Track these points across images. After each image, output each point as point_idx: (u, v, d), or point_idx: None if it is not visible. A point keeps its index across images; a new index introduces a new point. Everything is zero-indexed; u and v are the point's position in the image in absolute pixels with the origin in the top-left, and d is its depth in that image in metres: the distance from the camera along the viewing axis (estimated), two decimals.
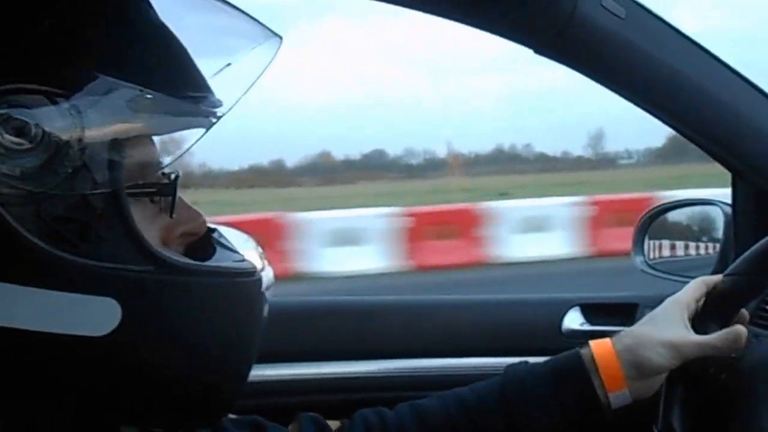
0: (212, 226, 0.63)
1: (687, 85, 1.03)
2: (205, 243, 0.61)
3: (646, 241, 1.50)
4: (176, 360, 0.54)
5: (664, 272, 1.43)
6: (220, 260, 0.59)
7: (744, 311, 0.88)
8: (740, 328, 0.82)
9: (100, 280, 0.50)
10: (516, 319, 1.19)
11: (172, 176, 0.61)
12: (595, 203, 8.87)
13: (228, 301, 0.56)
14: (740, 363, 0.80)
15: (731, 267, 0.86)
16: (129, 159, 0.54)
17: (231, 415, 0.78)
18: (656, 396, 0.86)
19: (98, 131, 0.52)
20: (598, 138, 40.79)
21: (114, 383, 0.53)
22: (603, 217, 8.52)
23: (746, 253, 0.84)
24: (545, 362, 0.88)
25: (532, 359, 1.09)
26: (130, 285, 0.51)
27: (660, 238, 1.52)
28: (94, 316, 0.49)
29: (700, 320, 0.86)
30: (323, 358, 1.13)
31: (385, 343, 1.15)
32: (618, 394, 0.83)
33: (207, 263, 0.57)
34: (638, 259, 1.50)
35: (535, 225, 8.50)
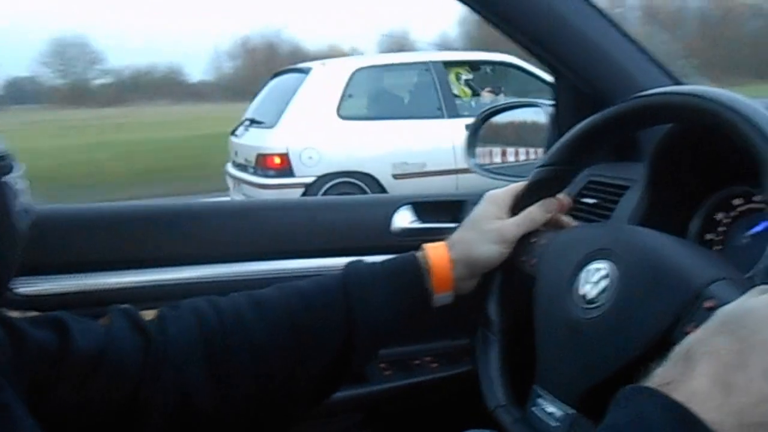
0: None
1: None
2: None
3: (479, 145, 1.55)
4: None
5: (495, 173, 1.49)
6: None
7: (563, 196, 0.92)
8: (551, 199, 0.89)
9: None
10: (347, 219, 1.19)
11: None
12: None
13: None
14: (545, 249, 0.84)
15: (543, 158, 0.89)
16: None
17: (31, 313, 0.72)
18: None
19: None
20: None
21: None
22: None
23: (555, 144, 0.87)
24: (384, 261, 0.88)
25: (365, 259, 1.11)
26: None
27: (492, 142, 1.57)
28: None
29: (519, 208, 0.90)
30: (148, 264, 1.08)
31: (213, 248, 1.11)
32: (442, 295, 0.86)
33: None
34: (471, 161, 1.55)
35: None
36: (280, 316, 0.82)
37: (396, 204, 1.20)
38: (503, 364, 0.84)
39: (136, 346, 0.75)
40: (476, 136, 1.55)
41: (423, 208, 1.21)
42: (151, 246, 1.09)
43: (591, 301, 0.71)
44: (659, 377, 0.52)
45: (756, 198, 0.88)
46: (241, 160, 6.41)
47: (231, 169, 6.78)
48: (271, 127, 5.88)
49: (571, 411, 0.71)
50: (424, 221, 1.21)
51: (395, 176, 5.65)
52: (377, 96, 6.16)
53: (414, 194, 1.23)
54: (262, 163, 5.85)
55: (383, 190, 5.50)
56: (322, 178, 5.78)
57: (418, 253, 0.87)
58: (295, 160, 5.69)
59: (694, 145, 0.88)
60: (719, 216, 0.93)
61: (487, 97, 6.39)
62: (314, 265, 1.14)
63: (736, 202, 0.90)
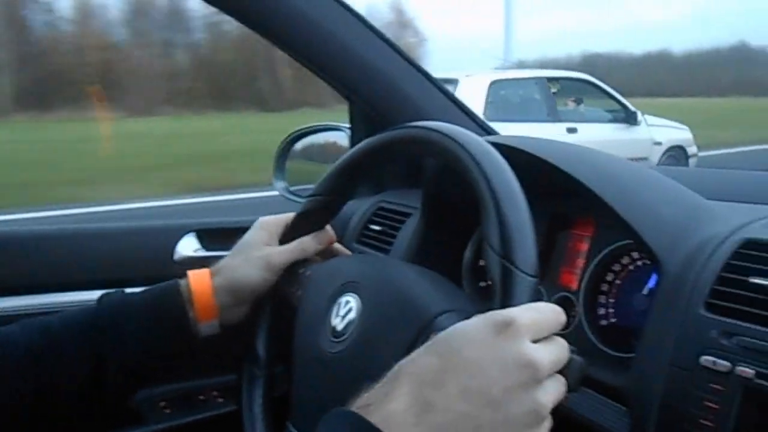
0: None
1: (306, 25, 1.08)
2: None
3: (288, 166, 1.53)
4: None
5: (302, 197, 1.46)
6: None
7: (328, 228, 0.90)
8: (328, 229, 0.88)
9: None
10: (127, 248, 1.12)
11: None
12: None
13: None
14: (308, 280, 0.82)
15: (314, 188, 0.88)
16: None
17: None
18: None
19: None
20: None
21: None
22: None
23: (324, 175, 0.86)
24: (143, 291, 0.83)
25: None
26: None
27: (301, 162, 1.54)
28: None
29: (289, 237, 0.87)
30: None
31: None
32: (208, 324, 0.82)
33: None
34: (279, 185, 1.51)
35: None
36: (20, 354, 0.75)
37: (180, 232, 1.14)
38: (267, 400, 0.81)
39: None
40: (284, 158, 1.53)
41: (208, 235, 1.16)
42: None
43: (338, 335, 0.70)
44: (363, 399, 0.51)
45: None
46: None
47: None
48: None
49: None
50: (209, 249, 1.16)
51: None
52: (508, 103, 7.33)
53: (199, 221, 1.17)
54: None
55: None
56: None
57: (181, 281, 0.83)
58: None
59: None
60: None
61: (570, 105, 7.94)
62: (90, 298, 1.05)
63: None
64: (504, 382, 0.49)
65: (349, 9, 1.11)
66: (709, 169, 1.09)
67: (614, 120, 7.66)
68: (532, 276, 0.56)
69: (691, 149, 8.29)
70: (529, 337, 0.52)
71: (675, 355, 0.63)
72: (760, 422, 0.57)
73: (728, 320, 0.61)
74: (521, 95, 7.52)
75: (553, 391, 0.52)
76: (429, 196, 0.97)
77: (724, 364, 0.59)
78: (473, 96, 6.74)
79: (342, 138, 1.41)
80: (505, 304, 0.55)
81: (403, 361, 0.53)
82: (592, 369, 0.73)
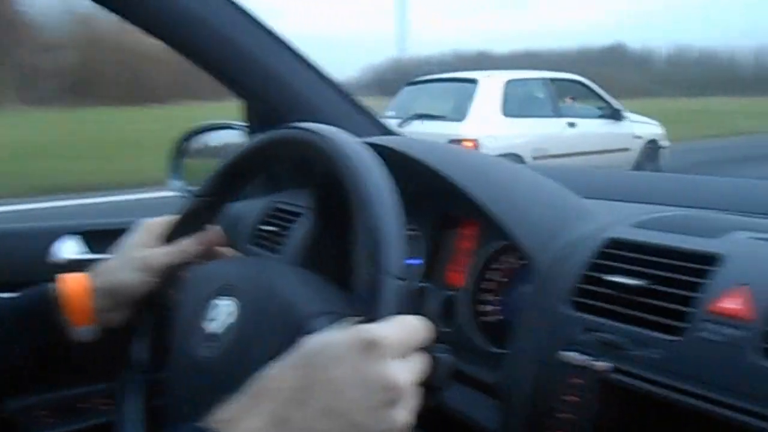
0: None
1: (198, 25, 1.07)
2: None
3: (185, 164, 1.49)
4: None
5: None
6: None
7: (216, 229, 0.88)
8: (206, 233, 0.85)
9: None
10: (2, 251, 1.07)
11: None
12: None
13: None
14: (184, 282, 0.80)
15: (199, 189, 0.86)
16: None
17: None
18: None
19: None
20: None
21: None
22: None
23: (208, 176, 0.84)
24: (15, 296, 0.80)
25: None
26: None
27: (202, 160, 1.51)
28: None
29: (172, 239, 0.86)
30: None
31: None
32: (83, 329, 0.79)
33: None
34: (176, 183, 1.47)
35: None
36: None
37: (59, 233, 1.09)
38: (144, 407, 0.79)
39: None
40: (180, 157, 1.49)
41: (93, 237, 1.12)
42: None
43: (214, 338, 0.69)
44: (226, 412, 0.51)
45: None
46: None
47: None
48: (458, 120, 7.34)
49: None
50: (96, 251, 1.11)
51: (534, 158, 7.25)
52: (520, 100, 7.94)
53: (82, 222, 1.13)
54: None
55: None
56: None
57: (52, 285, 0.80)
58: (480, 144, 7.12)
59: None
60: None
61: (568, 102, 8.69)
62: None
63: None
64: (365, 403, 0.50)
65: (242, 10, 1.09)
66: (591, 168, 1.14)
67: (603, 116, 8.55)
68: (400, 279, 0.57)
69: (663, 142, 9.17)
70: (393, 357, 0.52)
71: (540, 352, 0.65)
72: (619, 415, 0.60)
73: (591, 317, 0.64)
74: (531, 93, 8.29)
75: (411, 408, 0.53)
76: (318, 196, 0.97)
77: (583, 359, 0.61)
78: (493, 93, 7.59)
79: (238, 136, 1.38)
80: (373, 308, 0.55)
81: (268, 373, 0.53)
82: (470, 366, 0.75)
